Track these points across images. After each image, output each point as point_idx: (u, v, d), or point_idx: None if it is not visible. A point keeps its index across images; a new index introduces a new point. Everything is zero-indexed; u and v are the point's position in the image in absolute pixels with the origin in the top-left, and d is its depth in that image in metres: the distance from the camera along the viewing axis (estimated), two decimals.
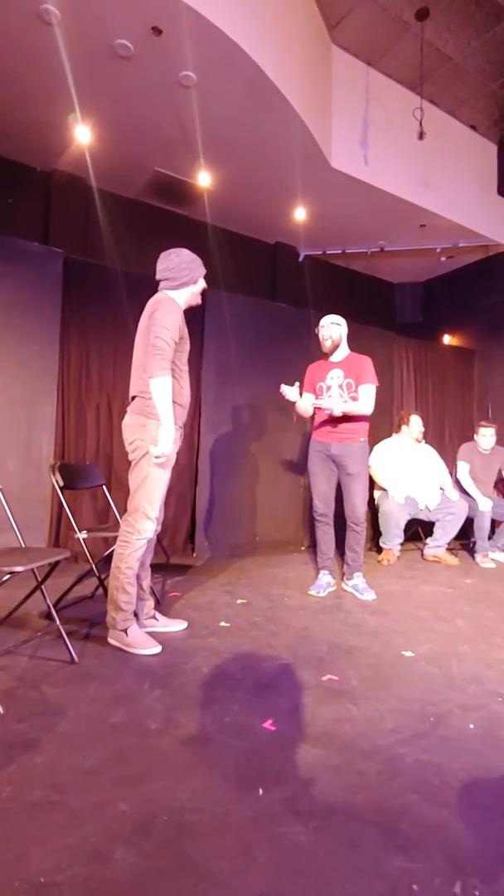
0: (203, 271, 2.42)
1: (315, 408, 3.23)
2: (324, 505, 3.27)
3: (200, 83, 3.52)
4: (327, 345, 3.23)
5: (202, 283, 2.43)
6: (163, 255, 2.37)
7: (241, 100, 3.68)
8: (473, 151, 5.52)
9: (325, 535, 3.31)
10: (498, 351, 5.94)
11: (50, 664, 2.01)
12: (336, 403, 3.11)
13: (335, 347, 3.23)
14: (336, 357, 3.27)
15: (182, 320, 2.30)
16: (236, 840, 1.12)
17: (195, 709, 1.69)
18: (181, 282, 2.34)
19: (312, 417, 3.34)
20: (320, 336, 3.25)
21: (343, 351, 3.27)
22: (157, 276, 2.36)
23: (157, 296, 2.32)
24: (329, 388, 3.22)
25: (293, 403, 3.19)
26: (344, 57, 4.59)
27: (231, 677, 1.94)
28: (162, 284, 2.36)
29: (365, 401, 3.13)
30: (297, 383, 3.18)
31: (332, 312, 3.31)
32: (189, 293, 2.39)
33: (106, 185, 4.82)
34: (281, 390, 3.10)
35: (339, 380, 3.21)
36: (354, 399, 3.16)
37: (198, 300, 2.47)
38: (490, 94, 4.98)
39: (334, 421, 3.18)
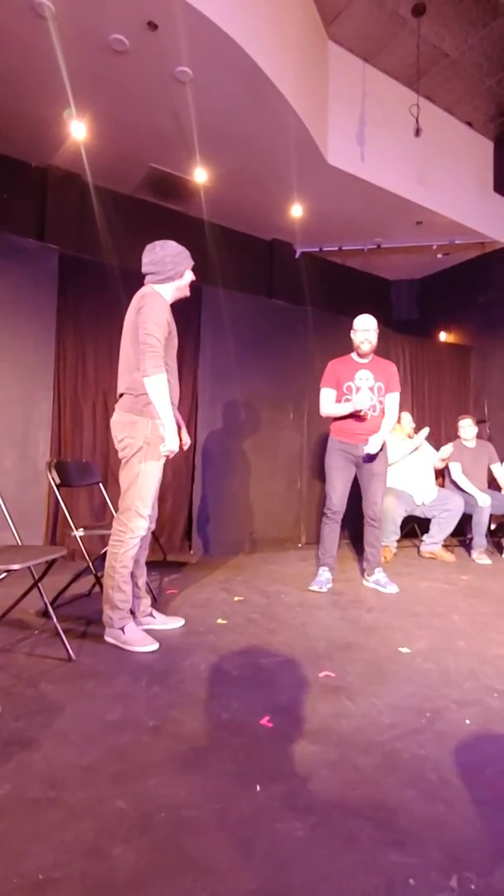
0: (190, 263, 2.33)
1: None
2: (339, 503, 3.27)
3: (196, 79, 3.51)
4: (364, 348, 3.22)
5: (189, 276, 2.35)
6: (147, 247, 2.29)
7: (237, 95, 3.67)
8: (470, 148, 5.52)
9: (333, 532, 3.30)
10: (494, 347, 5.96)
11: (47, 662, 2.01)
12: (365, 402, 3.12)
13: (372, 351, 3.25)
14: (363, 358, 3.27)
15: (169, 314, 2.25)
16: (234, 836, 1.12)
17: (193, 706, 1.69)
18: (166, 276, 2.27)
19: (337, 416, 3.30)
20: (358, 339, 3.23)
21: (370, 353, 3.29)
22: (143, 270, 2.29)
23: (143, 290, 2.26)
24: (359, 388, 3.22)
25: (347, 413, 3.18)
26: (340, 53, 4.58)
27: (228, 674, 1.95)
28: (147, 278, 2.29)
29: (392, 411, 3.24)
30: (329, 389, 3.27)
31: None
32: (175, 287, 2.32)
33: (102, 182, 4.80)
34: (357, 405, 3.11)
35: (369, 382, 3.22)
36: (382, 403, 3.22)
37: (185, 293, 2.39)
38: (486, 91, 4.98)
39: (361, 422, 3.19)
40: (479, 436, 4.77)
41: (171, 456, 2.24)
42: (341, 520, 3.31)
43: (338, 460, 3.27)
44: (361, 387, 3.21)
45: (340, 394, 3.27)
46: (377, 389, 3.21)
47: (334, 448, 3.30)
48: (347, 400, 3.22)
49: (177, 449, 2.22)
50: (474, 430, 4.67)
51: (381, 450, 3.24)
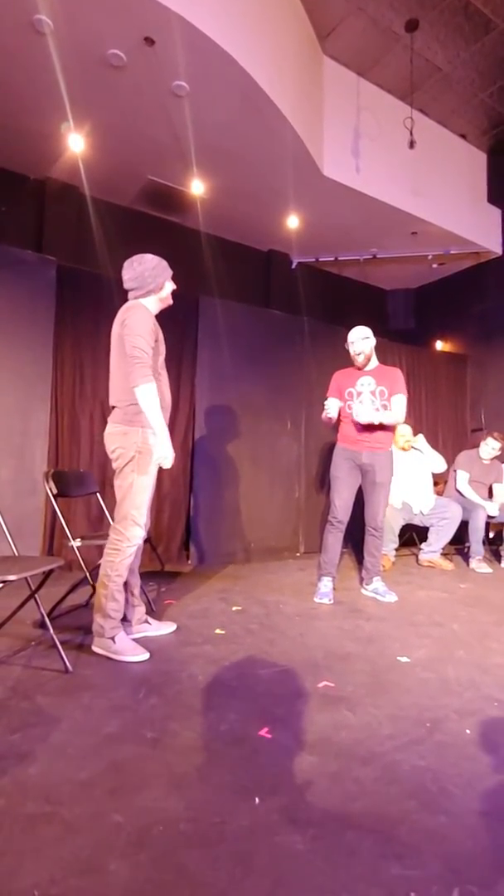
0: (168, 274, 2.36)
1: (341, 414, 3.25)
2: (343, 512, 3.25)
3: (193, 93, 3.55)
4: (360, 360, 3.22)
5: (169, 287, 2.38)
6: (126, 264, 2.32)
7: (233, 109, 3.71)
8: (463, 160, 5.59)
9: (337, 541, 3.28)
10: (490, 356, 5.99)
11: (44, 674, 1.99)
12: (367, 411, 3.09)
13: (367, 361, 3.25)
14: (366, 367, 3.28)
15: (155, 324, 2.28)
16: (232, 850, 1.11)
17: (191, 717, 1.68)
18: (147, 290, 2.30)
19: (337, 424, 3.32)
20: (352, 352, 3.24)
21: (373, 362, 3.29)
22: (125, 286, 2.33)
23: (128, 304, 2.29)
24: (360, 393, 3.22)
25: (329, 418, 3.19)
26: (335, 67, 4.65)
27: (227, 685, 1.93)
28: (130, 294, 2.33)
29: (398, 410, 3.18)
30: (333, 398, 3.24)
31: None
32: (157, 299, 2.35)
33: (99, 193, 4.84)
34: (326, 405, 3.14)
35: (370, 386, 3.21)
36: (386, 407, 3.18)
37: (168, 303, 2.42)
38: (479, 104, 5.05)
39: (365, 429, 3.18)
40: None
41: (167, 466, 2.24)
42: (345, 529, 3.30)
43: (342, 468, 3.26)
44: (363, 391, 3.22)
45: (343, 401, 3.28)
46: (379, 394, 3.20)
47: (340, 457, 3.29)
48: (350, 407, 3.23)
49: (170, 457, 2.22)
50: (496, 453, 4.60)
51: (386, 461, 3.23)
